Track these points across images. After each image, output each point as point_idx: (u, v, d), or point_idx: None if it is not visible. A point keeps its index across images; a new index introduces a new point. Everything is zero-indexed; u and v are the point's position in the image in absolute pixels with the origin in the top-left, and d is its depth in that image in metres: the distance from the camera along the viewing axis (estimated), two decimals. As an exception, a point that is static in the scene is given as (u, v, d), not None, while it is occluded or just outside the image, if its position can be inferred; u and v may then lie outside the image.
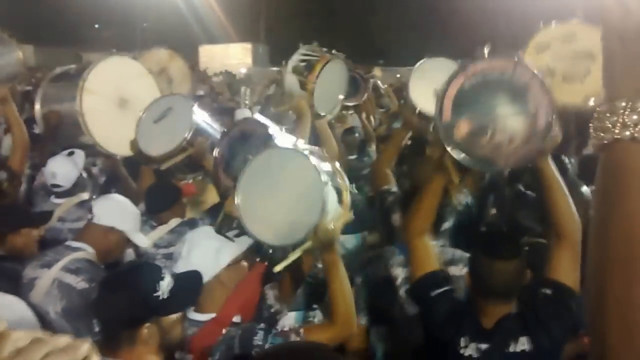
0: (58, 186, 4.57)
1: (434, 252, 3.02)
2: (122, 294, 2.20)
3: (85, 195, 4.61)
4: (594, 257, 1.13)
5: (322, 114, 4.50)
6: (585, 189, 3.66)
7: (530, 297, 2.81)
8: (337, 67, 4.64)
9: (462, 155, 2.60)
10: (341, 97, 4.83)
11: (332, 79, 4.52)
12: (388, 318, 3.53)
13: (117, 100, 4.85)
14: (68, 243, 3.50)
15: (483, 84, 2.63)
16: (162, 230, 4.17)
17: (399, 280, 3.48)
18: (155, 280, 2.25)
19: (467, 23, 35.85)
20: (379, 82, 9.50)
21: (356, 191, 6.20)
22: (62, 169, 4.58)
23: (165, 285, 2.26)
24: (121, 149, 4.72)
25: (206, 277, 2.66)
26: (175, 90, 7.12)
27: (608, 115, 1.12)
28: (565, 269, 2.74)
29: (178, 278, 2.37)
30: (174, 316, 2.32)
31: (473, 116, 2.60)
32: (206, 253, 2.76)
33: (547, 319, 2.70)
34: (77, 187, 4.68)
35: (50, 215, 4.30)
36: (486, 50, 2.75)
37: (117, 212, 3.55)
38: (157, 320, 2.22)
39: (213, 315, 2.70)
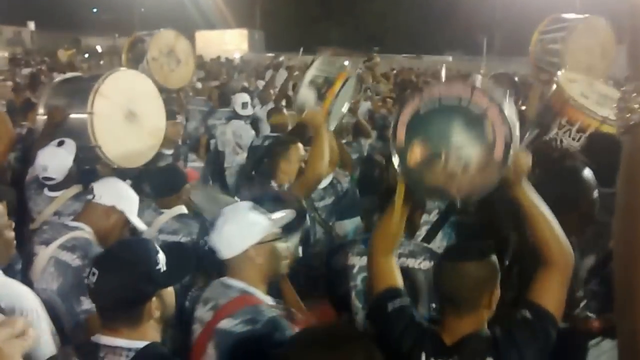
0: (50, 179, 4.32)
1: (397, 268, 2.85)
2: (127, 270, 2.19)
3: (81, 187, 4.41)
4: (620, 243, 1.09)
5: (331, 129, 4.43)
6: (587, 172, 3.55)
7: (506, 316, 2.61)
8: (352, 83, 4.58)
9: (413, 182, 2.52)
10: (346, 109, 4.79)
11: (344, 94, 4.49)
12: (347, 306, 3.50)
13: (127, 111, 4.83)
14: (67, 222, 3.50)
15: (439, 109, 2.47)
16: (168, 215, 4.23)
17: (355, 269, 3.47)
18: (154, 254, 2.28)
19: (464, 11, 35.79)
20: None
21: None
22: (53, 160, 4.33)
23: (161, 258, 2.28)
24: (118, 159, 4.73)
25: (236, 251, 2.74)
26: (181, 69, 7.32)
27: (634, 95, 1.09)
28: (550, 294, 2.56)
29: (168, 251, 2.38)
30: (171, 288, 2.36)
31: (427, 142, 2.46)
32: (239, 227, 2.79)
33: (522, 342, 2.49)
34: (71, 178, 4.41)
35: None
36: (443, 73, 2.68)
37: (117, 192, 3.54)
38: (159, 294, 2.26)
39: (243, 283, 2.75)
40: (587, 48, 6.42)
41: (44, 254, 3.28)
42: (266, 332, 2.56)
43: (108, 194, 3.47)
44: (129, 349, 2.15)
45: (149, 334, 2.23)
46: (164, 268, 2.25)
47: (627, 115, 1.09)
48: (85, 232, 3.36)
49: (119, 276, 2.19)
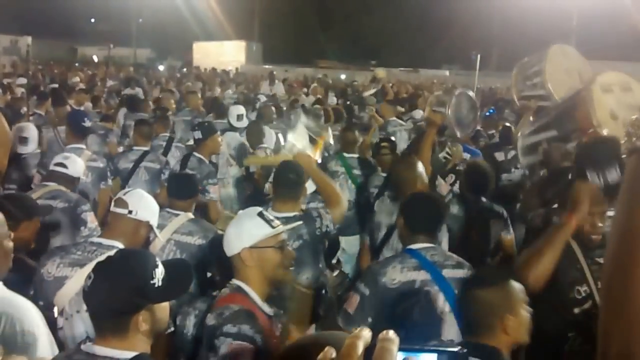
0: (63, 166, 4.82)
1: None
2: (120, 280, 2.22)
3: (63, 188, 4.79)
4: (612, 261, 1.13)
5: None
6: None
7: None
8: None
9: None
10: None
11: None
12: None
13: None
14: (98, 241, 3.47)
15: None
16: (185, 217, 4.37)
17: (417, 284, 3.45)
18: (151, 268, 2.27)
19: (461, 25, 35.95)
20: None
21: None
22: (76, 159, 4.89)
23: (159, 273, 2.29)
24: None
25: (231, 251, 2.94)
26: None
27: None
28: None
29: (168, 266, 2.40)
30: (165, 304, 2.36)
31: None
32: (237, 230, 2.97)
33: None
34: (71, 183, 4.92)
35: (51, 209, 4.44)
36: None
37: (150, 207, 3.57)
38: (150, 307, 2.25)
39: (240, 282, 2.92)
40: (566, 69, 6.39)
41: (80, 276, 3.19)
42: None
43: (143, 210, 3.51)
44: (118, 359, 2.17)
45: (138, 345, 2.23)
46: (159, 283, 2.26)
47: (633, 140, 1.19)
48: None
49: (111, 284, 2.21)
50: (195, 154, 6.38)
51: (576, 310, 3.30)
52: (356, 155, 6.67)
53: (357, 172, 6.46)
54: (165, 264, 2.41)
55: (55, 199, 4.64)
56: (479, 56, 12.35)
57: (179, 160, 6.69)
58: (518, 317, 2.65)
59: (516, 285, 2.73)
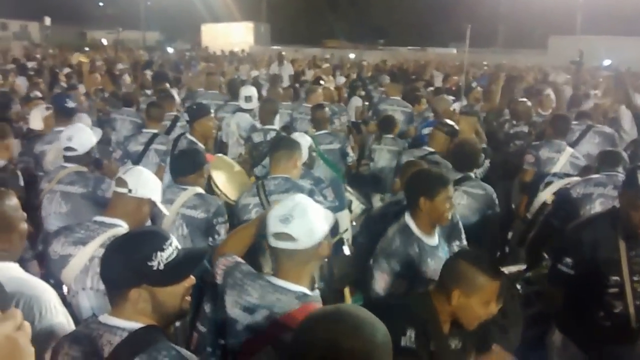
0: (72, 149, 4.73)
1: None
2: (119, 254, 2.25)
3: (83, 168, 4.78)
4: None
5: None
6: None
7: None
8: None
9: None
10: None
11: None
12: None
13: None
14: (100, 219, 3.44)
15: None
16: (191, 192, 4.48)
17: None
18: (154, 250, 2.24)
19: (469, 5, 35.70)
20: None
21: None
22: (80, 134, 4.77)
23: (163, 257, 2.24)
24: None
25: (315, 240, 2.64)
26: None
27: None
28: None
29: (184, 253, 2.34)
30: (172, 288, 2.30)
31: None
32: (318, 215, 2.68)
33: None
34: (89, 158, 4.92)
35: None
36: None
37: (150, 183, 3.54)
38: (148, 287, 2.24)
39: (301, 287, 2.63)
40: None
41: (83, 254, 3.28)
42: None
43: (143, 187, 3.48)
44: (123, 329, 2.20)
45: (139, 319, 2.24)
46: (160, 267, 2.24)
47: None
48: (123, 228, 3.37)
49: (110, 258, 2.27)
50: (187, 135, 6.34)
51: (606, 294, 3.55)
52: (325, 131, 6.97)
53: (326, 147, 6.83)
54: (185, 250, 2.38)
55: (73, 184, 4.63)
56: (469, 29, 12.22)
57: (171, 141, 6.62)
58: (469, 302, 2.72)
59: (492, 287, 2.72)
